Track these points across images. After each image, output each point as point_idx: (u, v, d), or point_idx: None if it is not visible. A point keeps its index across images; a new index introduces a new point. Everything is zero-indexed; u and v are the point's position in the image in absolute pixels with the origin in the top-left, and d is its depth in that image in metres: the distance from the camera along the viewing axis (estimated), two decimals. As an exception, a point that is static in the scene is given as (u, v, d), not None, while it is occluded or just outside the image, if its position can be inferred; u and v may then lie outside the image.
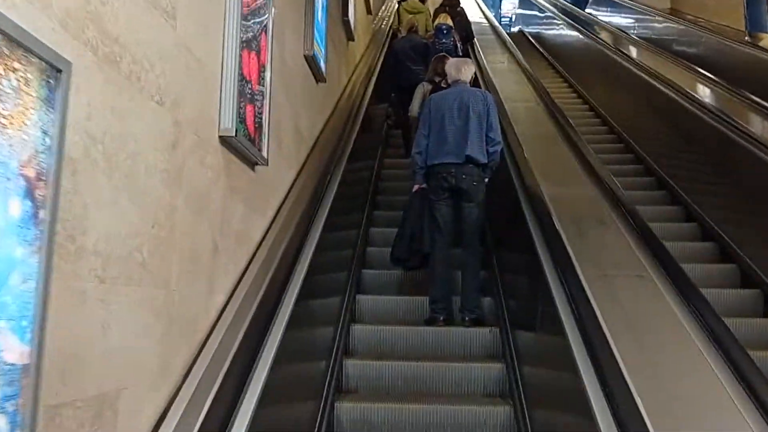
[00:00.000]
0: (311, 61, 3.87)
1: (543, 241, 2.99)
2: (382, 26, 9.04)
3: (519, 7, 15.00)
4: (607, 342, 2.04)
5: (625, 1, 8.73)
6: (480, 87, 4.66)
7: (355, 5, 6.03)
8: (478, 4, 12.55)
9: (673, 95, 5.22)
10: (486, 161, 4.11)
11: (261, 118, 2.62)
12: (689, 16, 7.11)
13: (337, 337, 3.70)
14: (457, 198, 4.15)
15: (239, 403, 1.99)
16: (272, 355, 2.23)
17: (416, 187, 4.34)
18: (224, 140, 2.24)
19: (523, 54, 7.75)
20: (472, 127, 4.09)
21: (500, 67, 6.75)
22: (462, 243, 4.19)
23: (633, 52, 6.85)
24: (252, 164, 2.62)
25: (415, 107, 5.29)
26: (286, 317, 2.44)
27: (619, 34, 7.84)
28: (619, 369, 1.88)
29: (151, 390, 1.70)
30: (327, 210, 3.45)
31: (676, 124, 5.30)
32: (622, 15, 8.76)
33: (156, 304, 1.73)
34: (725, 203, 4.44)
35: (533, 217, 3.20)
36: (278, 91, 3.14)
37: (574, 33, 9.13)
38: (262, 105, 2.63)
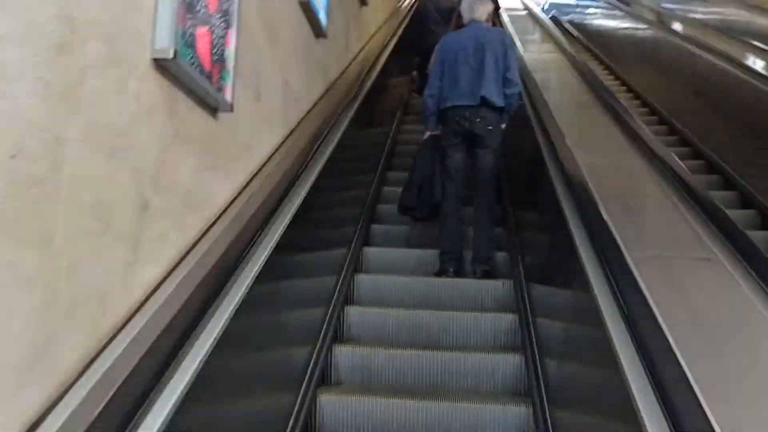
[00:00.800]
0: (307, 8, 3.32)
1: (576, 215, 2.40)
2: (405, 4, 8.46)
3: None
4: (672, 353, 1.45)
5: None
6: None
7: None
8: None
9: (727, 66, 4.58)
10: (503, 105, 3.78)
11: (223, 51, 2.08)
12: None
13: (337, 288, 3.38)
14: (470, 144, 3.85)
15: (151, 401, 1.45)
16: (210, 342, 1.68)
17: (427, 134, 4.09)
18: (161, 65, 1.70)
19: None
20: (488, 67, 3.74)
21: (530, 38, 6.18)
22: (475, 193, 3.89)
23: (678, 26, 6.20)
24: (211, 109, 2.08)
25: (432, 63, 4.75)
26: (237, 299, 1.90)
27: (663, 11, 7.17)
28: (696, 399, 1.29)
29: (7, 394, 1.17)
30: (316, 174, 2.90)
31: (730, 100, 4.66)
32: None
33: (19, 269, 1.19)
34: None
35: (567, 193, 2.60)
36: (256, 29, 2.60)
37: (614, 13, 8.47)
38: (225, 34, 2.09)
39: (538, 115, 3.47)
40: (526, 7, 9.37)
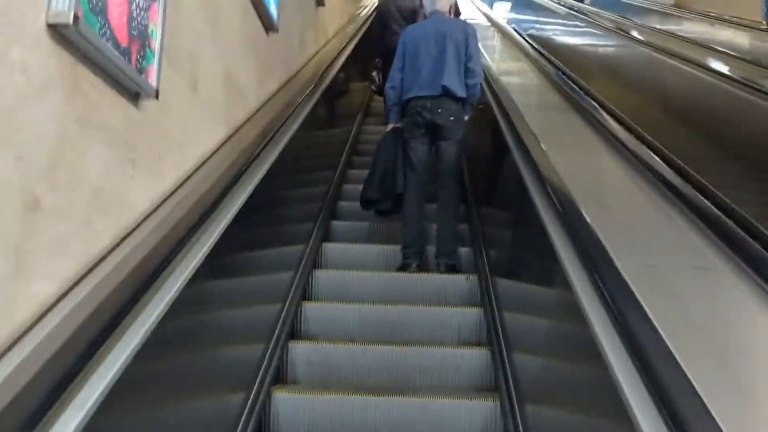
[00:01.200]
0: (255, -3, 3.02)
1: (552, 213, 2.14)
2: (365, 12, 8.23)
3: (511, 11, 14.29)
4: (670, 352, 1.20)
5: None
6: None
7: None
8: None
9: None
10: (465, 95, 3.71)
11: (146, 26, 1.77)
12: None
13: (294, 285, 3.20)
14: (433, 135, 3.77)
15: None
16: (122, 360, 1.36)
17: (390, 126, 3.98)
18: (59, 33, 1.38)
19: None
20: (449, 57, 3.68)
21: (490, 44, 5.99)
22: (438, 185, 3.80)
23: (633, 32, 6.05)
24: (131, 95, 1.76)
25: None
26: (162, 306, 1.58)
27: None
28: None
29: None
30: (263, 173, 2.58)
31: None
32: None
33: None
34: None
35: (541, 192, 2.34)
36: (194, 11, 2.30)
37: (574, 24, 8.35)
38: (149, 7, 1.78)
39: (507, 115, 3.22)
40: (490, 19, 9.22)
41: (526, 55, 5.52)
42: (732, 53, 4.33)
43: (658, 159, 2.48)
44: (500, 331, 2.80)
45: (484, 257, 3.56)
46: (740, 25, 5.37)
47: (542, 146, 2.51)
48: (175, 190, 2.06)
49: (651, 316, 1.31)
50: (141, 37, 1.74)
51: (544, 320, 2.28)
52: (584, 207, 1.92)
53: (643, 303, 1.36)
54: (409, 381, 2.79)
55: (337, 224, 4.27)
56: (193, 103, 2.30)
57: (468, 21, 4.33)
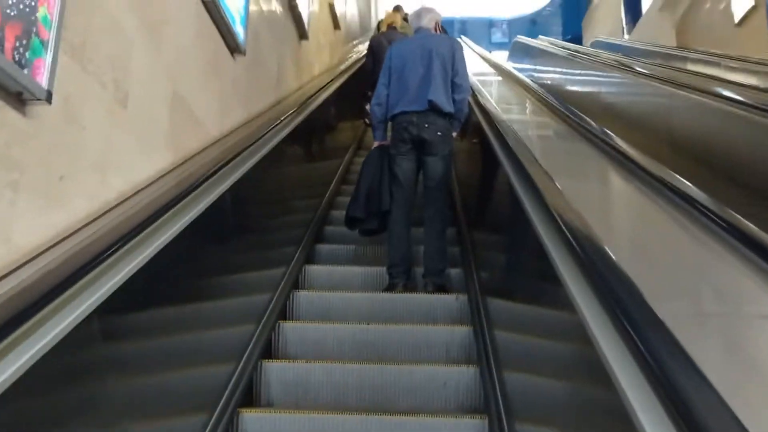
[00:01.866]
0: (214, 8, 2.65)
1: (558, 243, 1.69)
2: (355, 57, 7.93)
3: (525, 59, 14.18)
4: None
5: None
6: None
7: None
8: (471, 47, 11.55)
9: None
10: (452, 110, 3.59)
11: (30, 8, 1.37)
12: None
13: (271, 305, 2.96)
14: (420, 151, 3.62)
15: None
16: None
17: (376, 143, 3.85)
18: None
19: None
20: (436, 71, 3.56)
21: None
22: (425, 202, 3.68)
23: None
24: (11, 95, 1.36)
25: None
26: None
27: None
28: None
29: None
30: (203, 208, 2.13)
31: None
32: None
33: None
34: None
35: (546, 222, 1.90)
36: (121, 11, 1.91)
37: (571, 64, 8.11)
38: (34, -15, 1.38)
39: (504, 142, 2.81)
40: (486, 58, 8.97)
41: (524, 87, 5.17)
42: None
43: (686, 182, 2.04)
44: (490, 351, 2.60)
45: (474, 277, 3.34)
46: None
47: (543, 168, 2.08)
48: (89, 223, 1.63)
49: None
50: (22, 20, 1.34)
51: (547, 342, 1.92)
52: (600, 234, 1.48)
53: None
54: (393, 400, 2.59)
55: (322, 247, 4.08)
56: (121, 121, 1.90)
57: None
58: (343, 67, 6.28)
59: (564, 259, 1.60)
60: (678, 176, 1.99)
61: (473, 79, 4.75)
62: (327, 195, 4.72)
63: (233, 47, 2.96)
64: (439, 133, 3.56)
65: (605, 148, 2.65)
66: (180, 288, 2.03)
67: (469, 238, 3.89)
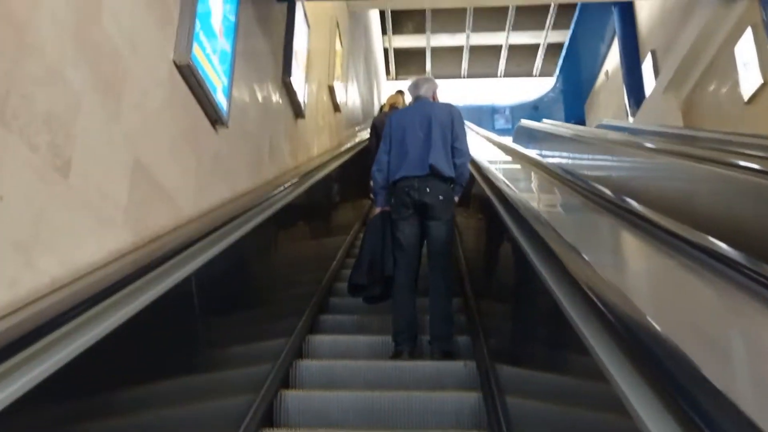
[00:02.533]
0: (190, 75, 2.39)
1: (580, 310, 1.38)
2: (357, 140, 7.75)
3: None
4: None
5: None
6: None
7: (307, 78, 4.71)
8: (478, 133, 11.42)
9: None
10: (452, 174, 3.63)
11: None
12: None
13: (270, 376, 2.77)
14: (421, 216, 3.64)
15: None
16: None
17: (377, 209, 3.86)
18: None
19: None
20: (435, 136, 3.62)
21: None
22: (429, 266, 3.63)
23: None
24: None
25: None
26: None
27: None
28: None
29: None
30: (160, 293, 1.76)
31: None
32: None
33: None
34: None
35: (561, 285, 1.55)
36: (64, 58, 1.62)
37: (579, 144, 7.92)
38: None
39: (518, 215, 2.49)
40: (492, 139, 8.81)
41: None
42: None
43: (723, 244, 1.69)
44: (502, 418, 2.44)
45: (483, 344, 3.21)
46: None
47: (563, 238, 1.75)
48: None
49: None
50: None
51: (566, 410, 1.72)
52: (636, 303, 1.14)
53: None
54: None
55: (326, 318, 4.01)
56: (59, 193, 1.57)
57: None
58: (343, 148, 6.09)
59: (588, 323, 1.40)
60: (714, 240, 1.73)
61: (481, 160, 4.60)
62: (331, 269, 4.65)
63: (214, 118, 2.68)
64: (440, 197, 3.56)
65: (628, 216, 2.39)
66: (172, 357, 1.65)
67: (476, 306, 3.77)
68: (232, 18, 2.91)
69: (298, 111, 4.45)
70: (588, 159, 7.26)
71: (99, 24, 1.83)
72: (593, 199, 3.07)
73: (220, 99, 2.69)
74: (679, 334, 1.07)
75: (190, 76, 2.40)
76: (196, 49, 2.42)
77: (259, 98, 3.55)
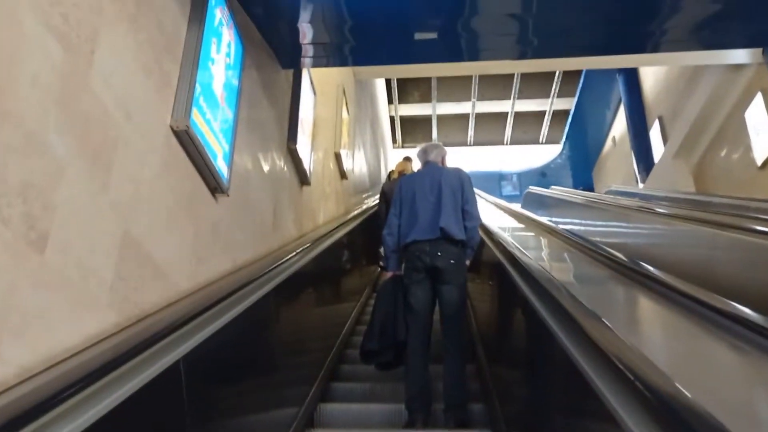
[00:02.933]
0: (188, 141, 2.26)
1: (605, 377, 1.26)
2: (365, 207, 7.64)
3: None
4: None
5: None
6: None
7: (313, 145, 4.61)
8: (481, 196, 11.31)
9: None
10: (464, 237, 3.61)
11: None
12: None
13: None
14: (433, 280, 3.58)
15: None
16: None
17: (388, 274, 3.81)
18: None
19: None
20: (446, 200, 3.64)
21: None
22: (442, 331, 3.55)
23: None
24: None
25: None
26: None
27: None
28: None
29: None
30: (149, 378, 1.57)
31: None
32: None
33: None
34: None
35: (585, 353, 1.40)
36: (43, 123, 1.49)
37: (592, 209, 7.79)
38: None
39: (535, 282, 2.34)
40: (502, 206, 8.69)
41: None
42: None
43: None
44: None
45: (499, 412, 3.09)
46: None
47: (586, 305, 1.59)
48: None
49: None
50: None
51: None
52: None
53: None
54: None
55: (337, 385, 3.91)
56: (33, 269, 1.40)
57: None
58: (350, 215, 5.96)
59: (614, 390, 1.34)
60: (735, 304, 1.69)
61: (492, 226, 4.52)
62: (341, 336, 4.56)
63: (214, 186, 2.53)
64: (452, 261, 3.52)
65: (645, 281, 2.34)
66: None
67: (490, 372, 3.66)
68: (236, 83, 2.81)
69: (303, 178, 4.33)
70: (601, 225, 7.09)
71: (88, 88, 1.71)
72: (608, 264, 2.98)
73: (221, 166, 2.56)
74: (710, 401, 1.00)
75: (188, 142, 2.27)
76: (195, 115, 2.29)
77: (263, 165, 3.42)
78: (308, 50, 3.77)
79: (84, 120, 1.67)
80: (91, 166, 1.69)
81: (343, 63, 4.23)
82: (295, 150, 4.02)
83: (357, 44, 3.69)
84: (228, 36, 2.71)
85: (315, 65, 4.14)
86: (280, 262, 3.07)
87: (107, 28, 1.83)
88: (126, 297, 1.83)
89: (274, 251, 3.43)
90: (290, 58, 3.86)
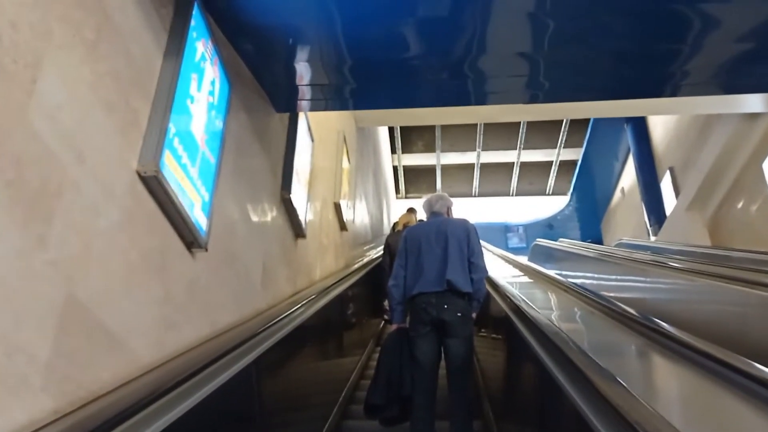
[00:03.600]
0: (158, 188, 1.96)
1: None
2: (367, 260, 7.30)
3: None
4: None
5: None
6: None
7: (310, 194, 4.31)
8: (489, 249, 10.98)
9: None
10: (470, 290, 3.56)
11: None
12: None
13: None
14: (440, 333, 3.53)
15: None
16: None
17: (394, 326, 3.75)
18: None
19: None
20: (452, 252, 3.59)
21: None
22: (449, 386, 3.48)
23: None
24: None
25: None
26: None
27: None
28: None
29: None
30: None
31: None
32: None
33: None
34: None
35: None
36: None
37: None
38: None
39: (551, 344, 2.09)
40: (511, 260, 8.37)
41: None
42: None
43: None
44: None
45: None
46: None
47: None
48: None
49: None
50: None
51: None
52: None
53: None
54: None
55: None
56: None
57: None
58: (350, 270, 5.63)
59: None
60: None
61: (499, 279, 4.34)
62: (344, 391, 4.39)
63: (190, 240, 2.22)
64: (459, 314, 3.47)
65: (663, 340, 2.16)
66: None
67: (498, 430, 3.55)
68: (220, 125, 2.52)
69: (298, 230, 4.02)
70: (616, 280, 6.74)
71: (25, 123, 1.42)
72: (622, 320, 2.76)
73: (199, 217, 2.25)
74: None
75: (158, 189, 1.96)
76: (167, 158, 2.00)
77: (252, 216, 3.11)
78: (305, 92, 3.49)
79: (16, 161, 1.38)
80: (24, 218, 1.39)
81: (343, 106, 3.98)
82: (290, 200, 3.72)
83: (358, 85, 3.42)
84: (212, 73, 2.44)
85: (313, 108, 3.87)
86: (268, 325, 2.74)
87: (55, 55, 1.55)
88: (67, 376, 1.50)
89: (262, 312, 3.11)
90: (285, 101, 3.59)
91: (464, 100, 3.63)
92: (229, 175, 2.74)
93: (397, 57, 3.09)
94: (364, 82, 3.38)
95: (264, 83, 3.34)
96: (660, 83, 3.62)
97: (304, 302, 3.60)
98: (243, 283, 2.90)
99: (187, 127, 2.18)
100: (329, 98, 3.63)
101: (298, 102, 3.65)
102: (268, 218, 3.40)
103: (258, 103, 3.31)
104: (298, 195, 3.93)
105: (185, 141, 2.15)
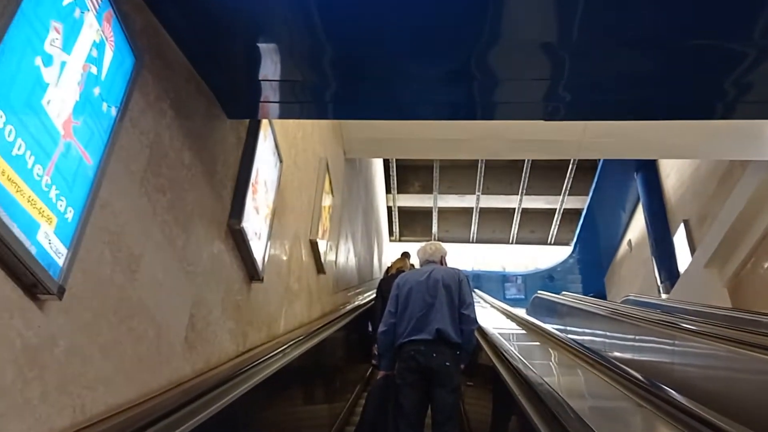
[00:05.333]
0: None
1: None
2: (350, 307, 6.45)
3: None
4: None
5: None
6: None
7: (274, 227, 3.48)
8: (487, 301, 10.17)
9: None
10: (459, 340, 3.53)
11: None
12: None
13: None
14: (427, 382, 3.48)
15: None
16: None
17: (381, 373, 3.73)
18: None
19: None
20: (443, 301, 3.60)
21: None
22: None
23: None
24: None
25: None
26: None
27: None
28: None
29: None
30: None
31: None
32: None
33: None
34: None
35: None
36: None
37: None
38: None
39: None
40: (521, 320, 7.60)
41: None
42: None
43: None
44: None
45: None
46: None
47: None
48: None
49: None
50: None
51: None
52: None
53: None
54: None
55: None
56: None
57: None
58: (328, 320, 4.82)
59: None
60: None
61: (494, 334, 4.35)
62: None
63: (31, 281, 1.39)
64: (447, 363, 3.47)
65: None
66: None
67: None
68: (106, 109, 1.71)
69: (252, 272, 3.16)
70: (629, 341, 5.90)
71: None
72: (641, 393, 2.49)
73: (47, 244, 1.42)
74: None
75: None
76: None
77: (174, 249, 2.27)
78: (269, 91, 2.65)
79: None
80: None
81: (321, 114, 3.20)
82: (241, 231, 2.89)
83: (340, 86, 2.63)
84: (95, 32, 1.64)
85: (282, 115, 3.07)
86: (187, 399, 1.93)
87: None
88: None
89: (185, 381, 2.26)
90: (241, 102, 2.77)
91: (469, 112, 2.84)
92: (132, 187, 1.92)
93: (388, 46, 2.31)
94: (347, 81, 2.59)
95: (207, 76, 2.51)
96: (711, 99, 2.82)
97: (253, 364, 2.77)
98: (149, 345, 2.04)
99: (29, 98, 1.37)
100: (303, 101, 2.83)
101: (261, 105, 2.82)
102: (204, 254, 2.55)
103: (197, 101, 2.49)
104: (255, 227, 3.11)
105: (22, 119, 1.34)
